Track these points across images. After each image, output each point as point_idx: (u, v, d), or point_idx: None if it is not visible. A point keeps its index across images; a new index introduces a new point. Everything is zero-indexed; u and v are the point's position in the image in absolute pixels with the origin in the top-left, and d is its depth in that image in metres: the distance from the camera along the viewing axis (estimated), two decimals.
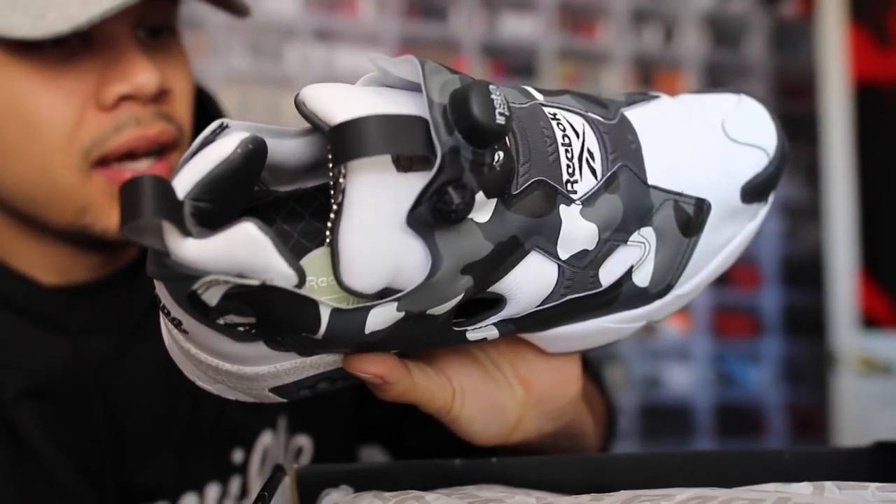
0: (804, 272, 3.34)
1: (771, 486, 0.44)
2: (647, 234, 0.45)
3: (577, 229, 0.42)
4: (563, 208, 0.42)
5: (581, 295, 0.44)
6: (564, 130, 0.43)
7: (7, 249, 0.66)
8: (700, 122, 0.49)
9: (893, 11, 2.62)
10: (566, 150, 0.43)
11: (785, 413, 3.38)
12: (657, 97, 0.50)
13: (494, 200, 0.39)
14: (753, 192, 0.49)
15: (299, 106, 0.38)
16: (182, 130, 0.63)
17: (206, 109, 0.74)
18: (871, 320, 2.56)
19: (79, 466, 0.66)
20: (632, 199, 0.44)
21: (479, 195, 0.38)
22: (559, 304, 0.44)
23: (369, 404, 0.79)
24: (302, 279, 0.36)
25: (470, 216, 0.38)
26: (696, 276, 0.48)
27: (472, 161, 0.37)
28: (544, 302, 0.43)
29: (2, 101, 0.59)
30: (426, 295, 0.38)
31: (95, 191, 0.61)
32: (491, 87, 0.38)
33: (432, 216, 0.37)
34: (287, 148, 0.41)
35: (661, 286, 0.47)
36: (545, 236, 0.42)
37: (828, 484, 0.44)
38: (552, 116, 0.43)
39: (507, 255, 0.40)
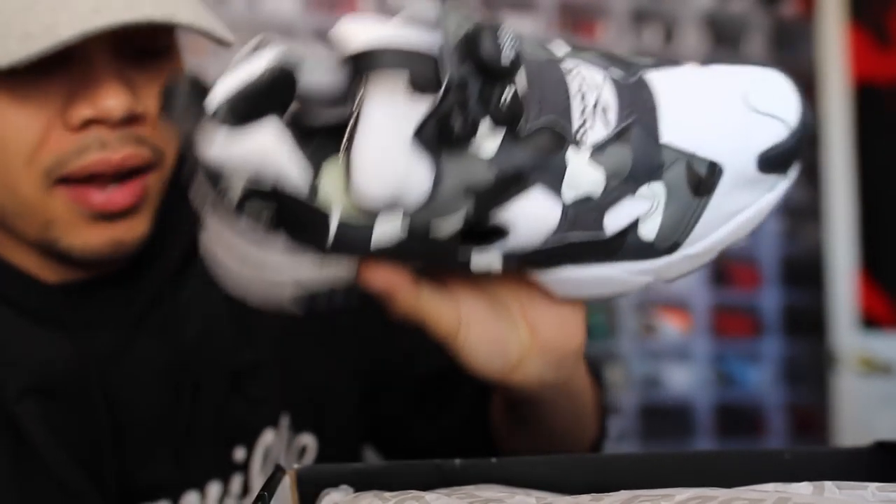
0: (804, 272, 3.34)
1: (771, 486, 0.44)
2: (656, 188, 0.47)
3: (583, 174, 0.44)
4: (571, 152, 0.44)
5: (584, 240, 0.46)
6: (582, 82, 0.45)
7: (7, 248, 0.66)
8: (722, 88, 0.50)
9: (893, 12, 2.62)
10: (581, 99, 0.45)
11: (785, 413, 3.38)
12: (684, 64, 0.51)
13: (502, 135, 0.42)
14: (770, 162, 0.50)
15: (332, 40, 0.42)
16: (160, 152, 0.63)
17: None
18: (871, 320, 2.57)
19: (81, 464, 0.66)
20: (643, 152, 0.46)
21: (485, 126, 0.41)
22: (562, 246, 0.46)
23: (382, 397, 0.80)
24: (314, 189, 0.39)
25: (476, 147, 0.42)
26: (705, 238, 0.49)
27: (479, 93, 0.41)
28: (546, 240, 0.45)
29: None
30: (428, 210, 0.42)
31: (58, 207, 0.60)
32: (504, 29, 0.41)
33: (437, 137, 0.40)
34: (321, 74, 0.44)
35: (669, 243, 0.48)
36: (550, 175, 0.44)
37: (828, 484, 0.44)
38: (570, 69, 0.45)
39: (509, 185, 0.43)
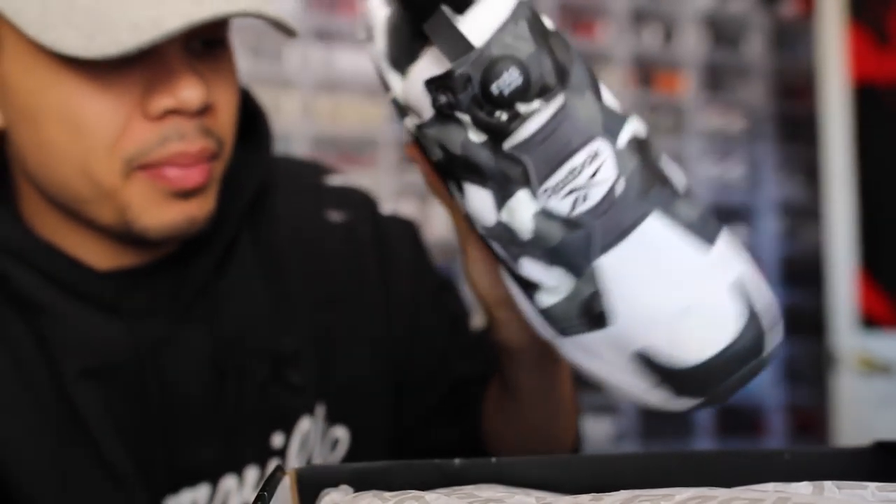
0: (804, 272, 3.34)
1: (770, 486, 0.44)
2: (565, 280, 0.48)
3: (519, 214, 0.47)
4: (525, 193, 0.47)
5: (503, 259, 0.51)
6: (595, 161, 0.47)
7: (60, 236, 0.68)
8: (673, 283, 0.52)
9: (893, 12, 2.62)
10: (575, 171, 0.47)
11: (785, 413, 3.38)
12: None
13: (485, 137, 0.47)
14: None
15: None
16: (222, 143, 0.65)
17: (246, 109, 0.76)
18: (871, 320, 2.57)
19: (130, 447, 0.67)
20: (574, 256, 0.47)
21: (466, 119, 0.47)
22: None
23: (413, 396, 0.81)
24: None
25: (461, 127, 0.47)
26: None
27: (473, 97, 0.46)
28: (485, 230, 0.50)
29: (51, 105, 0.61)
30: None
31: (136, 192, 0.62)
32: (520, 67, 0.45)
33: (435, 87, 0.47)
34: None
35: (556, 327, 0.50)
36: (500, 191, 0.48)
37: (827, 484, 0.44)
38: (601, 145, 0.47)
39: (471, 166, 0.48)
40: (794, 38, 3.53)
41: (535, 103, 0.46)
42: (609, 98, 0.50)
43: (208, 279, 0.71)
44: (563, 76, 0.46)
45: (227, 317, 0.71)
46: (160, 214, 0.63)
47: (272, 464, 0.72)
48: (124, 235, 0.66)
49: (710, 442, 3.21)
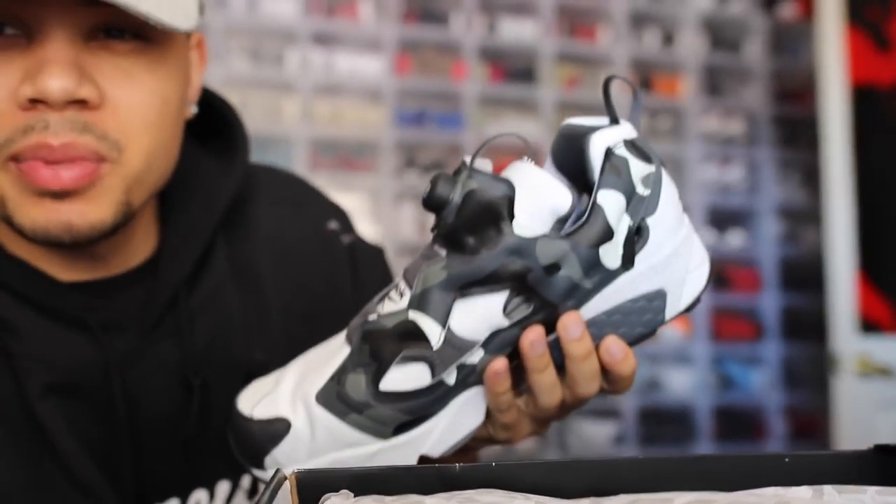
0: (804, 276, 3.34)
1: (770, 490, 0.44)
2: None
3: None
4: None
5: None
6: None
7: (26, 248, 0.67)
8: None
9: (892, 15, 2.62)
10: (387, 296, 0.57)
11: (785, 416, 3.38)
12: None
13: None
14: None
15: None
16: (118, 146, 0.61)
17: (215, 115, 0.74)
18: (871, 324, 2.57)
19: (98, 463, 0.66)
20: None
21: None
22: None
23: None
24: None
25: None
26: None
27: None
28: None
29: None
30: None
31: (8, 182, 0.60)
32: (454, 180, 0.55)
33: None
34: None
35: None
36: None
37: (827, 487, 0.44)
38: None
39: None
40: (793, 41, 3.53)
41: None
42: None
43: (179, 292, 0.69)
44: None
45: (198, 331, 0.70)
46: (30, 213, 0.60)
47: (245, 478, 0.71)
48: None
49: (710, 445, 3.21)
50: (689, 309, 0.57)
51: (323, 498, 0.45)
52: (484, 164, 0.55)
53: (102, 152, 0.60)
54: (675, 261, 0.56)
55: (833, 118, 2.60)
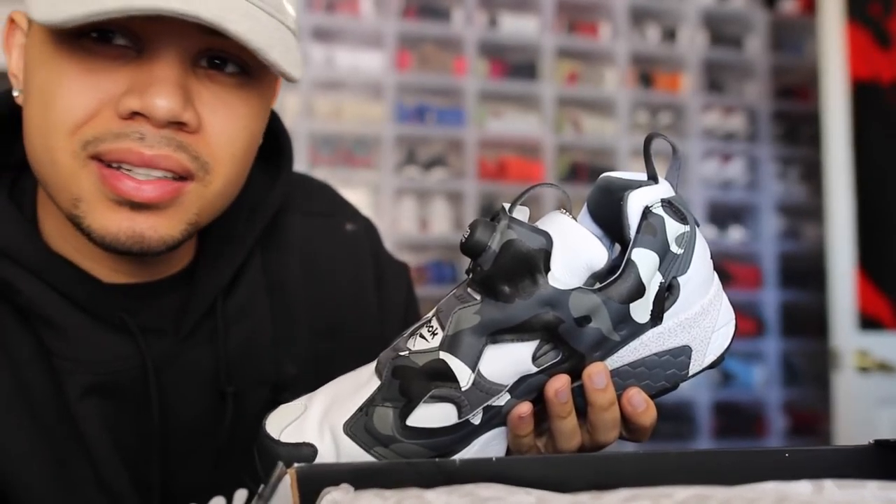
0: (803, 272, 3.34)
1: (770, 485, 0.44)
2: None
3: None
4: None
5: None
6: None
7: (72, 248, 0.68)
8: None
9: (893, 13, 2.62)
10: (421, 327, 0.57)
11: (785, 412, 3.38)
12: None
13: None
14: None
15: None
16: (206, 167, 0.63)
17: (270, 130, 0.75)
18: (871, 320, 2.57)
19: (127, 465, 0.67)
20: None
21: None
22: None
23: None
24: None
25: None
26: None
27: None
28: None
29: (37, 80, 0.62)
30: None
31: (87, 183, 0.61)
32: (484, 227, 0.54)
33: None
34: None
35: None
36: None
37: (827, 482, 0.44)
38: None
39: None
40: (794, 37, 3.53)
41: None
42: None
43: (217, 301, 0.70)
44: None
45: (231, 339, 0.71)
46: (103, 218, 0.61)
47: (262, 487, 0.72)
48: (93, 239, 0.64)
49: (711, 441, 3.21)
50: (712, 366, 0.58)
51: (323, 492, 0.45)
52: (522, 213, 0.56)
53: (193, 170, 0.62)
54: (702, 319, 0.57)
55: (834, 115, 2.60)
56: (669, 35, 3.41)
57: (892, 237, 2.59)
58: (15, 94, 0.65)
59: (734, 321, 0.59)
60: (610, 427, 0.58)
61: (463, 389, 0.54)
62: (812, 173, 3.19)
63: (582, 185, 3.23)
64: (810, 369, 3.33)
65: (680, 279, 0.56)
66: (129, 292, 0.68)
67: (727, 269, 3.33)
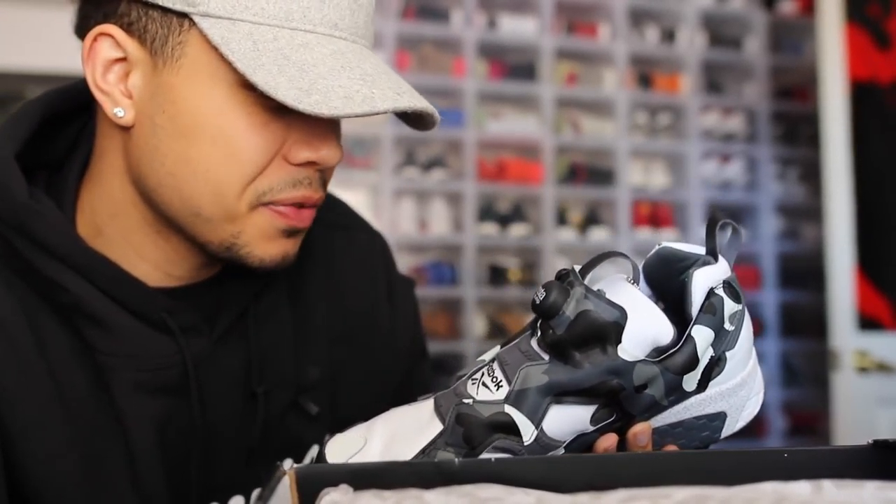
0: (803, 272, 3.34)
1: (769, 486, 0.44)
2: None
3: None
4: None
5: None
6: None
7: (112, 249, 0.69)
8: None
9: (891, 13, 2.62)
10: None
11: (784, 412, 3.38)
12: None
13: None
14: None
15: None
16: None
17: None
18: (870, 320, 2.57)
19: (165, 463, 0.68)
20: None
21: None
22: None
23: None
24: None
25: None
26: None
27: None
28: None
29: (213, 127, 0.64)
30: None
31: (255, 223, 0.66)
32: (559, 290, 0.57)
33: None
34: None
35: None
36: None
37: (826, 483, 0.44)
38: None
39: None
40: (793, 38, 3.53)
41: None
42: None
43: (249, 302, 0.73)
44: None
45: (259, 340, 0.73)
46: (267, 247, 0.67)
47: None
48: (228, 257, 0.68)
49: None
50: (740, 430, 0.62)
51: (322, 493, 0.45)
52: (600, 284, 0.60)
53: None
54: (741, 389, 0.61)
55: (833, 115, 2.60)
56: (668, 36, 3.41)
57: (891, 237, 2.60)
58: (117, 112, 0.65)
59: (763, 391, 0.63)
60: None
61: (525, 444, 0.57)
62: (811, 174, 3.19)
63: (581, 187, 3.23)
64: (809, 370, 3.33)
65: (727, 353, 0.60)
66: (171, 294, 0.70)
67: None
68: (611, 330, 0.56)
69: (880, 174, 2.60)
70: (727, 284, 0.59)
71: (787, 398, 3.36)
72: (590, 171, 3.27)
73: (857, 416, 2.50)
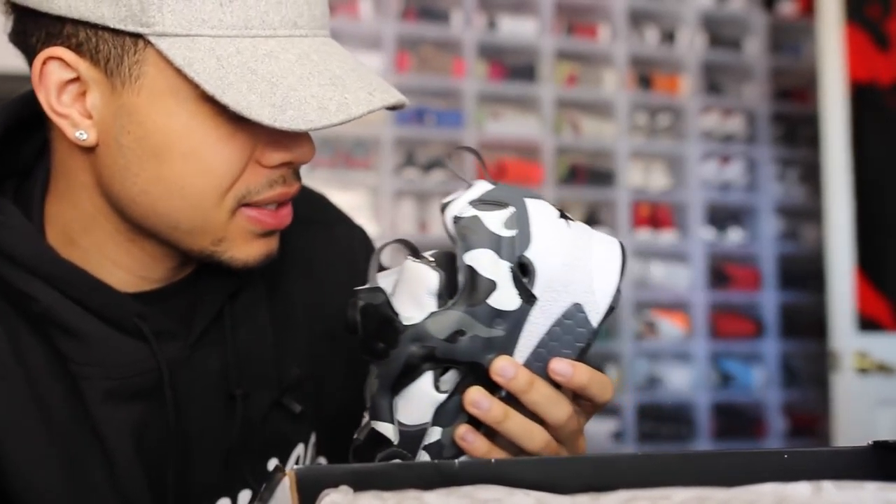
0: (803, 273, 3.34)
1: (769, 487, 0.44)
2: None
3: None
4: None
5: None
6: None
7: (82, 257, 0.68)
8: None
9: (891, 15, 2.62)
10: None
11: (784, 413, 3.38)
12: None
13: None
14: None
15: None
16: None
17: None
18: (870, 321, 2.57)
19: (144, 468, 0.68)
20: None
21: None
22: None
23: None
24: None
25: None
26: None
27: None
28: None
29: (182, 145, 0.63)
30: None
31: (236, 228, 0.66)
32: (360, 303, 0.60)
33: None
34: None
35: None
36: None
37: (826, 484, 0.44)
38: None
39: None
40: (792, 39, 3.53)
41: None
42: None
43: (224, 304, 0.72)
44: None
45: (237, 341, 0.72)
46: (250, 249, 0.67)
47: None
48: (212, 262, 0.68)
49: (709, 442, 3.21)
50: (613, 306, 0.60)
51: (322, 493, 0.45)
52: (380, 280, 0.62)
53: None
54: (572, 273, 0.59)
55: (832, 116, 2.60)
56: (668, 37, 3.41)
57: (891, 238, 2.60)
58: (80, 135, 0.63)
59: (616, 253, 0.60)
60: (551, 404, 0.59)
61: (395, 443, 0.59)
62: (811, 175, 3.19)
63: (581, 188, 3.23)
64: (809, 371, 3.33)
65: (528, 254, 0.58)
66: (142, 299, 0.69)
67: (726, 270, 3.33)
68: (385, 307, 0.59)
69: (880, 175, 2.60)
70: (478, 201, 0.59)
71: (787, 399, 3.36)
72: (590, 172, 3.27)
73: (857, 417, 2.50)
